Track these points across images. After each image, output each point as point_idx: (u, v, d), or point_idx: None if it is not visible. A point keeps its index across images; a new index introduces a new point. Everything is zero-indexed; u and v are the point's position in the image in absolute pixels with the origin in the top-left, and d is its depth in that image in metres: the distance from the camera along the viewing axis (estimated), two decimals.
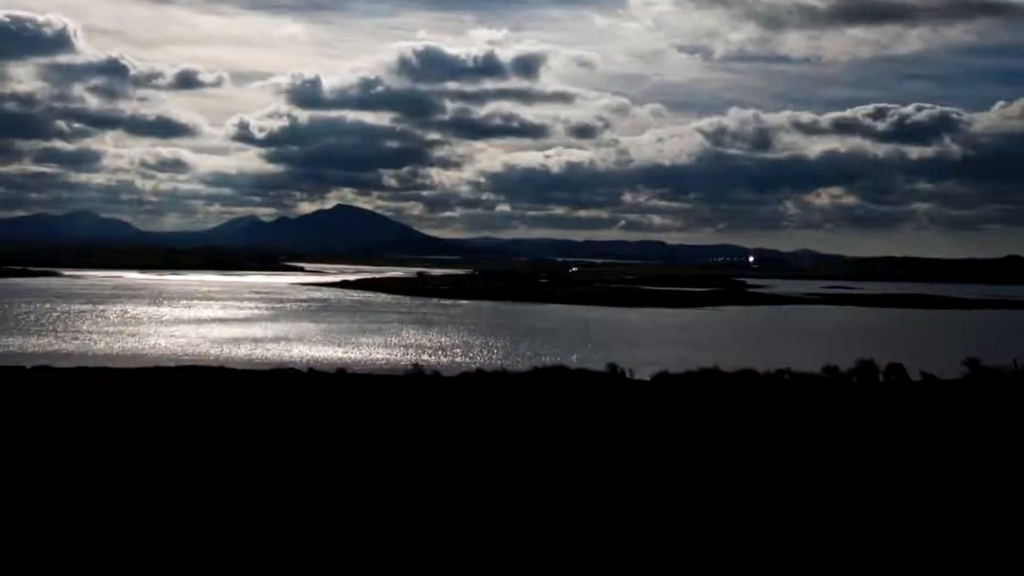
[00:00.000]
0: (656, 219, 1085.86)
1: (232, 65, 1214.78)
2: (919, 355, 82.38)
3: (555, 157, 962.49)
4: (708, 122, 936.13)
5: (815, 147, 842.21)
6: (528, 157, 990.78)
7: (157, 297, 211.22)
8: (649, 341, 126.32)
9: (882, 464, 25.56)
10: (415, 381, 61.10)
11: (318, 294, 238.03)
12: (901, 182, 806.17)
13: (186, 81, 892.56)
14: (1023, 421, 37.14)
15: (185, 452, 25.56)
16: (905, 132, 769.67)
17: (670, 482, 22.39)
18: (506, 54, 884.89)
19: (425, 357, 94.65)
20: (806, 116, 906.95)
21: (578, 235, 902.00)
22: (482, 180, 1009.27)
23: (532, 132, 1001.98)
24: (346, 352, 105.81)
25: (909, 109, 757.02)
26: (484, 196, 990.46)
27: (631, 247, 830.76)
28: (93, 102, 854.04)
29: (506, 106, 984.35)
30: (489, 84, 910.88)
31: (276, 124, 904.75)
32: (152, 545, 16.85)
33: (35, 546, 16.66)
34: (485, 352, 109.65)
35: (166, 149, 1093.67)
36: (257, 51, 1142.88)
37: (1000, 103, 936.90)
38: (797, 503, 20.10)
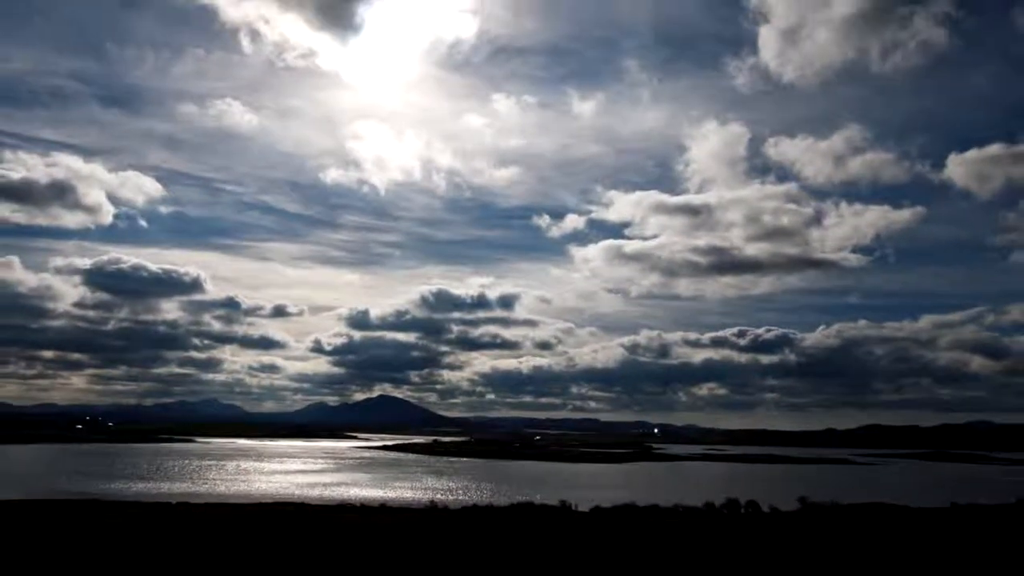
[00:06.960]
0: (592, 404, 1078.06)
1: (310, 301, 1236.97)
2: (768, 494, 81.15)
3: (525, 362, 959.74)
4: (627, 339, 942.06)
5: (698, 356, 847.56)
6: (507, 363, 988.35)
7: (259, 456, 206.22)
8: (588, 485, 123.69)
9: (745, 565, 25.37)
10: (432, 512, 59.72)
11: (367, 454, 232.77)
12: (756, 380, 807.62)
13: (279, 312, 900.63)
14: (839, 538, 36.80)
15: (282, 556, 25.17)
16: (759, 346, 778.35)
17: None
18: (492, 294, 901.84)
19: (439, 496, 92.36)
20: (692, 335, 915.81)
21: (541, 415, 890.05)
22: (476, 378, 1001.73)
23: (510, 346, 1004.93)
24: (386, 492, 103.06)
25: (761, 331, 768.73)
26: (478, 389, 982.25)
27: (576, 422, 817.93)
28: (216, 326, 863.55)
29: (492, 328, 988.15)
30: (481, 314, 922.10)
31: (339, 341, 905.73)
32: None
33: None
34: (479, 492, 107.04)
35: (266, 358, 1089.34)
36: (327, 292, 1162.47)
37: (822, 327, 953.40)
38: None
